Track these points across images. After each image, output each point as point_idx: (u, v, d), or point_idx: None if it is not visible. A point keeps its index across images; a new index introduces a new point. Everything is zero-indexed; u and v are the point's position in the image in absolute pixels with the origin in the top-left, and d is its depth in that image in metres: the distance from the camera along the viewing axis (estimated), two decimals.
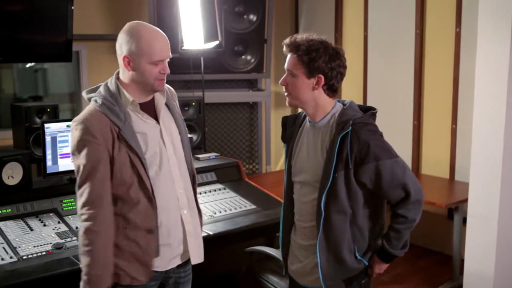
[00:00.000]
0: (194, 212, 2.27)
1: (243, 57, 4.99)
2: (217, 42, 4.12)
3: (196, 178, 2.38)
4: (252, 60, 4.99)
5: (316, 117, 2.11)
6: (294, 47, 2.02)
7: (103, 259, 2.02)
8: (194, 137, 4.03)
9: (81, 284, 2.04)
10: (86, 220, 2.00)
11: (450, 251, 4.11)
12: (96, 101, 2.05)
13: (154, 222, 2.08)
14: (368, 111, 2.10)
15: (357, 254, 2.10)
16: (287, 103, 2.13)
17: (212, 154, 3.88)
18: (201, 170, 3.58)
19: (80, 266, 2.06)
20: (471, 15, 4.07)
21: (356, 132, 1.98)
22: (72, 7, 3.89)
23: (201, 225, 2.35)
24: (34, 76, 5.02)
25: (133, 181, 2.04)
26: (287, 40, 2.06)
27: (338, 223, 2.04)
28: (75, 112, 4.86)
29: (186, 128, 2.32)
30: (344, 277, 2.12)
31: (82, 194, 2.02)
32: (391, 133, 4.86)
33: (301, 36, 2.04)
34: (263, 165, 5.51)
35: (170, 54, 2.11)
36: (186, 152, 2.25)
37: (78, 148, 2.01)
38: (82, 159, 1.99)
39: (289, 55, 2.06)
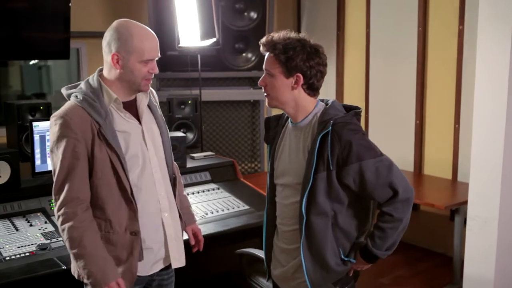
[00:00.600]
0: (175, 215, 2.21)
1: (243, 54, 4.93)
2: (214, 40, 4.06)
3: (180, 181, 2.33)
4: (253, 58, 4.92)
5: (297, 118, 2.05)
6: (271, 46, 1.96)
7: (99, 252, 1.96)
8: (190, 135, 3.98)
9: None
10: (66, 220, 1.94)
11: (452, 253, 4.03)
12: (76, 96, 2.01)
13: (136, 224, 2.03)
14: (352, 111, 2.03)
15: (342, 256, 2.03)
16: (266, 104, 2.07)
17: (207, 153, 3.83)
18: (195, 170, 3.54)
19: (75, 272, 2.04)
20: (475, 12, 3.96)
21: (337, 132, 1.91)
22: (70, 4, 3.86)
23: (182, 229, 2.29)
24: (38, 73, 5.01)
25: (114, 182, 1.99)
26: (263, 39, 2.00)
27: (319, 226, 1.98)
28: None
29: (168, 130, 2.27)
30: (332, 281, 2.06)
31: (59, 194, 1.97)
32: (392, 132, 4.84)
33: (278, 35, 1.98)
34: (265, 163, 5.45)
35: (159, 54, 2.07)
36: (167, 154, 2.20)
37: (57, 144, 1.96)
38: (60, 154, 1.95)
39: (266, 55, 2.00)
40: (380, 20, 4.87)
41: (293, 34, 1.97)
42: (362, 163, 1.91)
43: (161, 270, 2.18)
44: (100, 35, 4.56)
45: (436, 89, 4.49)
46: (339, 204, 1.98)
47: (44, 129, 3.01)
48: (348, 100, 5.29)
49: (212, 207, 3.23)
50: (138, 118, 2.10)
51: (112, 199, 2.00)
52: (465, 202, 3.57)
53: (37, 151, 3.00)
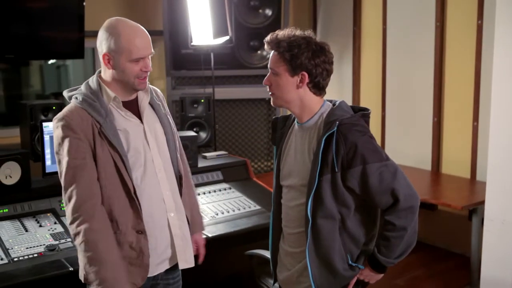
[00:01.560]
0: (181, 215, 2.19)
1: (258, 52, 4.89)
2: (227, 37, 4.03)
3: (191, 184, 2.33)
4: (268, 56, 4.87)
5: (303, 118, 2.00)
6: (275, 44, 1.92)
7: (114, 258, 1.95)
8: (203, 135, 3.96)
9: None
10: (81, 222, 1.92)
11: (470, 253, 3.95)
12: (76, 98, 2.02)
13: (141, 224, 2.02)
14: (359, 112, 1.98)
15: (350, 261, 1.98)
16: (272, 103, 2.03)
17: (220, 152, 3.81)
18: (206, 169, 3.52)
19: (82, 276, 2.02)
20: (494, 7, 3.86)
21: (343, 133, 1.86)
22: (84, 3, 3.87)
23: (189, 229, 2.27)
24: (56, 73, 5.05)
25: (117, 181, 1.98)
26: (268, 37, 1.95)
27: (326, 229, 1.93)
28: None
29: (175, 129, 2.25)
30: (339, 286, 2.01)
31: (71, 196, 1.95)
32: (410, 130, 4.77)
33: (283, 32, 1.93)
34: None
35: (153, 50, 2.04)
36: (172, 153, 2.18)
37: (60, 145, 1.96)
38: (66, 156, 1.94)
39: (271, 53, 1.96)
40: (397, 16, 4.80)
41: (298, 32, 1.93)
42: (366, 166, 1.86)
43: (166, 272, 2.16)
44: None
45: (454, 86, 4.41)
46: (346, 208, 1.94)
47: None
48: (364, 98, 5.25)
49: (223, 207, 3.21)
50: (140, 117, 2.09)
51: (117, 199, 1.99)
52: (483, 202, 3.50)
53: (47, 151, 3.01)
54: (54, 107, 3.43)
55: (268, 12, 4.78)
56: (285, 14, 4.87)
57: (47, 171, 3.02)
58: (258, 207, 3.26)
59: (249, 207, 3.25)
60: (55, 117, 2.00)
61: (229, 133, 5.03)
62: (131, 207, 2.00)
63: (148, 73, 2.04)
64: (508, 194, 3.12)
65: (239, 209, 3.21)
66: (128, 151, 2.01)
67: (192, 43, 4.05)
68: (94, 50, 4.62)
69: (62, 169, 1.96)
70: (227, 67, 4.74)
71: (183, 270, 2.27)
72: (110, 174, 1.96)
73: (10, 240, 2.63)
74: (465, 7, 4.23)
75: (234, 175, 3.61)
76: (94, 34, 4.29)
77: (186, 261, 2.18)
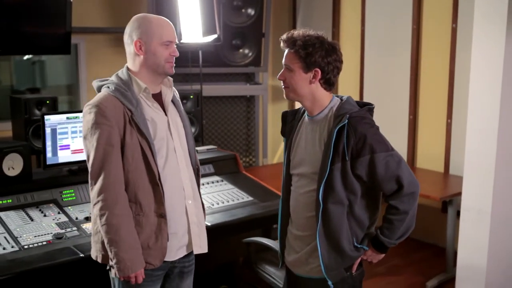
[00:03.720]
0: (198, 203, 2.32)
1: (240, 50, 5.03)
2: (215, 36, 4.15)
3: (200, 172, 2.43)
4: (250, 54, 5.02)
5: (314, 111, 2.15)
6: (291, 43, 2.07)
7: (133, 241, 2.06)
8: (192, 129, 4.06)
9: (114, 271, 2.07)
10: (105, 207, 2.02)
11: (444, 244, 4.16)
12: (108, 87, 2.12)
13: (163, 208, 2.13)
14: (365, 107, 2.15)
15: (355, 243, 2.15)
16: (284, 96, 2.18)
17: (209, 147, 3.92)
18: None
19: (98, 256, 2.14)
20: (468, 11, 4.11)
21: (352, 125, 2.03)
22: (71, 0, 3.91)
23: (205, 217, 2.40)
24: (32, 68, 5.03)
25: (143, 167, 2.09)
26: (284, 36, 2.10)
27: (335, 214, 2.09)
28: (73, 104, 4.89)
29: (190, 125, 2.39)
30: (345, 266, 2.17)
31: (98, 180, 2.04)
32: (387, 127, 4.89)
33: (298, 32, 2.08)
34: (260, 158, 5.55)
35: (177, 40, 2.19)
36: (190, 146, 2.31)
37: (91, 132, 2.05)
38: (95, 141, 2.03)
39: (286, 51, 2.11)
40: (375, 18, 4.96)
41: (312, 32, 2.08)
42: (374, 156, 2.02)
43: (183, 257, 2.27)
44: (98, 30, 4.68)
45: (429, 86, 4.60)
46: (353, 194, 2.10)
47: (55, 122, 3.08)
48: None
49: (218, 198, 3.33)
50: (163, 110, 2.21)
51: (142, 184, 2.10)
52: (458, 194, 3.71)
53: (48, 143, 3.07)
54: (48, 101, 3.49)
55: (251, 11, 4.91)
56: (267, 14, 5.01)
57: (48, 163, 3.08)
58: (250, 198, 3.39)
59: (242, 198, 3.37)
60: (87, 103, 2.09)
61: (212, 129, 5.16)
62: (154, 192, 2.11)
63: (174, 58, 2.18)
64: (483, 185, 3.32)
65: (233, 200, 3.33)
66: (154, 139, 2.12)
67: (181, 41, 4.14)
68: (77, 46, 4.65)
69: (90, 153, 2.05)
70: (211, 65, 4.85)
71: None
72: (137, 160, 2.07)
73: (18, 229, 2.69)
74: (441, 11, 4.42)
75: (225, 168, 3.73)
76: (80, 30, 4.38)
77: (201, 247, 2.30)
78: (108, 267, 2.16)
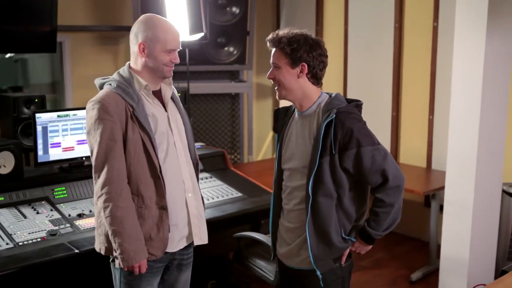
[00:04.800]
0: (198, 196, 2.40)
1: (225, 48, 5.07)
2: (202, 34, 4.18)
3: (199, 167, 2.50)
4: (235, 52, 5.07)
5: (303, 107, 2.23)
6: (277, 41, 2.15)
7: (136, 233, 2.11)
8: None
9: (118, 262, 2.12)
10: (109, 199, 2.07)
11: (426, 237, 4.25)
12: (110, 84, 2.18)
13: (164, 200, 2.19)
14: (353, 102, 2.23)
15: (343, 235, 2.22)
16: (277, 97, 2.25)
17: (198, 144, 3.96)
18: None
19: (102, 249, 2.19)
20: (448, 10, 4.21)
21: (340, 119, 2.10)
22: None
23: (204, 209, 2.47)
24: (14, 66, 5.01)
25: (145, 160, 2.15)
26: (269, 36, 2.18)
27: (324, 206, 2.15)
28: (57, 102, 4.88)
29: (190, 122, 2.44)
30: (333, 257, 2.23)
31: (101, 174, 2.09)
32: (370, 123, 4.90)
33: (282, 31, 2.17)
34: (245, 155, 5.61)
35: (180, 46, 2.24)
36: (190, 141, 2.38)
37: (94, 127, 2.10)
38: (98, 136, 2.08)
39: (273, 50, 2.18)
40: (358, 17, 5.05)
41: (296, 30, 2.17)
42: (360, 149, 2.10)
43: (183, 249, 2.33)
44: (83, 29, 4.68)
45: (412, 83, 4.70)
46: (342, 187, 2.16)
47: (46, 120, 3.09)
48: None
49: (208, 194, 3.37)
50: (163, 106, 2.27)
51: (144, 177, 2.16)
52: (441, 188, 3.80)
53: (39, 141, 3.08)
54: (36, 100, 3.49)
55: (236, 10, 4.96)
56: (251, 13, 5.06)
57: (39, 160, 3.10)
58: (239, 194, 3.45)
59: (232, 194, 3.43)
60: (90, 100, 2.14)
61: (200, 126, 5.20)
62: (156, 185, 2.16)
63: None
64: (465, 179, 3.41)
65: (222, 196, 3.38)
66: (155, 134, 2.18)
67: None
68: (61, 44, 4.64)
69: (94, 148, 2.10)
70: (195, 63, 4.88)
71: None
72: (139, 154, 2.13)
73: (11, 226, 2.71)
74: (422, 9, 4.52)
75: (213, 165, 3.77)
76: (65, 29, 4.37)
77: (201, 238, 2.37)
78: (111, 259, 2.21)
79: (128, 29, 4.57)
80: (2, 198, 2.90)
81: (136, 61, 2.22)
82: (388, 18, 4.75)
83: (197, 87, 5.03)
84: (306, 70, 2.15)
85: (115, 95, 2.13)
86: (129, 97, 2.13)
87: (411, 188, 3.93)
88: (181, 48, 2.24)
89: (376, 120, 4.93)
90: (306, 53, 2.13)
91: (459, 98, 3.41)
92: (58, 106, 4.81)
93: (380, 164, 2.12)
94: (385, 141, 4.87)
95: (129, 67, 2.24)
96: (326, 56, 2.20)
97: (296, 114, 2.28)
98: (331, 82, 5.35)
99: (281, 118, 2.37)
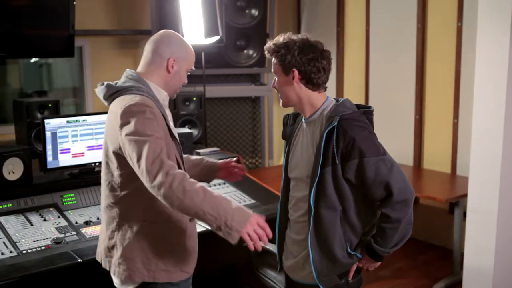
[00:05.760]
0: None
1: (245, 51, 5.01)
2: (218, 37, 4.13)
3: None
4: (254, 55, 5.01)
5: (305, 113, 2.14)
6: (270, 50, 2.09)
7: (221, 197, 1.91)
8: (195, 132, 4.05)
9: (224, 234, 1.91)
10: (176, 179, 1.83)
11: (451, 245, 4.11)
12: (138, 90, 2.03)
13: None
14: (360, 109, 2.11)
15: (349, 250, 2.11)
16: (281, 104, 2.19)
17: (212, 149, 3.90)
18: None
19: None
20: (473, 9, 4.05)
21: (343, 128, 1.99)
22: (74, 2, 3.92)
23: None
24: (39, 71, 5.06)
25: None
26: (266, 45, 2.12)
27: (328, 219, 2.05)
28: (78, 106, 4.90)
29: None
30: (338, 272, 2.13)
31: (154, 169, 1.86)
32: (392, 127, 4.92)
33: (278, 38, 2.09)
34: (266, 159, 5.53)
35: None
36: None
37: (141, 128, 1.91)
38: (148, 135, 1.91)
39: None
40: (379, 18, 4.94)
41: (293, 36, 2.08)
42: (363, 160, 1.97)
43: None
44: (103, 33, 4.67)
45: (435, 85, 4.56)
46: (346, 199, 2.05)
47: (56, 126, 3.07)
48: (348, 96, 5.30)
49: None
50: None
51: None
52: (465, 195, 3.65)
53: (48, 147, 3.06)
54: (50, 105, 3.48)
55: (255, 12, 4.90)
56: (271, 15, 4.99)
57: (48, 167, 3.08)
58: (252, 201, 3.37)
59: (244, 201, 3.35)
60: (131, 103, 1.96)
61: (216, 131, 5.14)
62: None
63: None
64: (489, 186, 3.28)
65: None
66: None
67: None
68: (81, 49, 4.66)
69: (141, 150, 1.89)
70: (214, 66, 4.83)
71: None
72: (173, 160, 2.01)
73: (17, 234, 2.68)
74: (446, 9, 4.39)
75: None
76: (83, 33, 4.38)
77: None
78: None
79: (147, 33, 4.66)
80: (10, 205, 2.88)
81: (154, 72, 2.11)
82: (411, 18, 4.63)
83: (216, 91, 4.98)
84: (298, 76, 2.06)
85: (152, 101, 2.02)
86: (159, 104, 2.06)
87: (433, 195, 3.81)
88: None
89: (399, 124, 4.83)
90: (295, 58, 2.04)
91: (482, 101, 3.29)
92: (79, 111, 4.83)
93: (384, 176, 1.99)
94: (407, 146, 4.76)
95: (139, 75, 2.11)
96: (321, 60, 2.07)
97: (303, 121, 2.19)
98: (352, 85, 5.27)
99: (289, 125, 2.29)
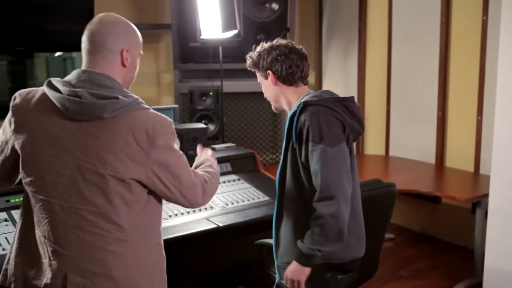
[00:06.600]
0: None
1: None
2: (235, 31, 4.09)
3: None
4: None
5: (288, 109, 2.26)
6: (249, 64, 2.31)
7: None
8: (212, 127, 4.04)
9: None
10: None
11: (473, 246, 4.02)
12: (143, 104, 1.80)
13: None
14: (330, 97, 2.14)
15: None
16: (273, 110, 2.35)
17: (228, 145, 3.87)
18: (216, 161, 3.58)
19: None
20: (499, 3, 3.94)
21: (301, 113, 2.07)
22: None
23: None
24: (63, 65, 5.12)
25: None
26: (247, 63, 2.32)
27: (288, 203, 2.20)
28: None
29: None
30: (289, 260, 2.14)
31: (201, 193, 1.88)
32: (414, 124, 4.86)
33: (251, 53, 2.29)
34: None
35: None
36: None
37: (174, 142, 1.82)
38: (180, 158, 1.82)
39: None
40: (402, 12, 4.90)
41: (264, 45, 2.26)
42: (308, 145, 2.02)
43: None
44: None
45: (459, 81, 4.49)
46: (302, 183, 2.10)
47: None
48: (369, 92, 5.36)
49: (233, 198, 3.28)
50: None
51: None
52: (487, 195, 3.57)
53: None
54: None
55: (275, 6, 4.85)
56: (292, 9, 4.95)
57: None
58: (266, 198, 3.33)
59: (258, 198, 3.31)
60: (166, 119, 1.78)
61: (234, 126, 5.11)
62: None
63: None
64: (511, 186, 3.19)
65: (248, 200, 3.27)
66: None
67: (201, 37, 4.11)
68: None
69: (183, 164, 1.83)
70: (233, 61, 4.80)
71: (194, 258, 2.37)
72: None
73: None
74: (470, 3, 4.30)
75: (243, 166, 3.67)
76: None
77: None
78: None
79: (167, 27, 4.67)
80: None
81: (114, 71, 1.79)
82: (434, 12, 4.55)
83: (233, 86, 4.94)
84: (273, 76, 2.19)
85: None
86: None
87: (454, 195, 3.74)
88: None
89: (421, 121, 4.78)
90: (264, 60, 2.20)
91: (505, 97, 3.19)
92: None
93: (315, 165, 2.00)
94: (430, 143, 4.70)
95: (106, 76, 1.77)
96: (286, 55, 2.17)
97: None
98: (374, 81, 5.24)
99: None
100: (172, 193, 1.80)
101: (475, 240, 3.87)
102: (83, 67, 1.80)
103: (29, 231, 1.78)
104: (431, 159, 4.70)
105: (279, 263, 2.25)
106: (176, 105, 3.55)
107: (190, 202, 1.87)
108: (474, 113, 4.35)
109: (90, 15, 3.96)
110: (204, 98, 4.03)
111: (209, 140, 3.96)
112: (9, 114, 1.80)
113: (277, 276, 2.31)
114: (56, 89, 1.74)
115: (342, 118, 2.06)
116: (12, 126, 1.77)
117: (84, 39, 1.82)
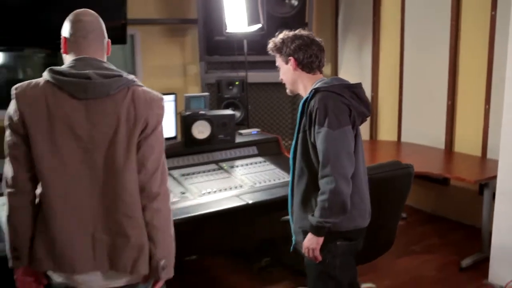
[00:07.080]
0: None
1: None
2: (259, 25, 4.35)
3: None
4: None
5: (304, 94, 2.44)
6: (271, 48, 2.48)
7: None
8: (238, 114, 4.32)
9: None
10: None
11: (480, 225, 4.23)
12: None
13: None
14: (339, 84, 2.34)
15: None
16: (288, 92, 2.53)
17: (253, 130, 4.15)
18: (243, 144, 3.86)
19: None
20: None
21: (313, 98, 2.28)
22: None
23: None
24: None
25: None
26: (268, 46, 2.49)
27: (298, 177, 2.41)
28: None
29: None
30: (304, 226, 2.40)
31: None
32: (425, 113, 5.08)
33: (275, 38, 2.47)
34: None
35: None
36: None
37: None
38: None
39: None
40: (414, 7, 5.06)
41: (287, 33, 2.45)
42: (316, 127, 2.24)
43: None
44: (152, 22, 4.96)
45: (468, 73, 4.65)
46: (315, 161, 2.31)
47: None
48: (383, 84, 5.53)
49: (260, 178, 3.54)
50: None
51: None
52: (494, 177, 3.77)
53: None
54: None
55: (294, 2, 5.08)
56: (310, 5, 5.19)
57: None
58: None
59: (283, 178, 3.55)
60: (160, 96, 2.06)
61: (258, 113, 5.38)
62: None
63: None
64: None
65: (274, 180, 3.52)
66: None
67: (226, 30, 4.37)
68: (133, 37, 4.95)
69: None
70: (256, 53, 5.04)
71: (225, 232, 2.78)
72: None
73: None
74: None
75: (268, 150, 3.94)
76: (136, 22, 4.67)
77: None
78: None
79: (193, 21, 4.92)
80: None
81: (102, 56, 2.08)
82: (445, 7, 4.72)
83: (257, 76, 5.19)
84: (295, 62, 2.39)
85: None
86: None
87: (463, 177, 3.95)
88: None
89: (432, 109, 4.96)
90: (288, 47, 2.39)
91: None
92: None
93: (320, 145, 2.23)
94: (440, 130, 4.89)
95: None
96: (309, 45, 2.38)
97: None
98: (387, 72, 5.42)
99: None
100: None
101: (482, 219, 4.08)
102: (79, 54, 1.99)
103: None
104: (441, 145, 4.89)
105: (294, 227, 2.52)
106: (207, 93, 3.83)
107: (146, 175, 1.96)
108: (482, 102, 4.52)
109: (123, 9, 4.18)
110: (230, 87, 4.31)
111: (235, 126, 4.24)
112: (13, 106, 1.88)
113: (293, 238, 2.56)
114: (62, 74, 1.89)
115: (348, 103, 2.28)
116: (19, 116, 1.85)
117: (80, 28, 2.02)
